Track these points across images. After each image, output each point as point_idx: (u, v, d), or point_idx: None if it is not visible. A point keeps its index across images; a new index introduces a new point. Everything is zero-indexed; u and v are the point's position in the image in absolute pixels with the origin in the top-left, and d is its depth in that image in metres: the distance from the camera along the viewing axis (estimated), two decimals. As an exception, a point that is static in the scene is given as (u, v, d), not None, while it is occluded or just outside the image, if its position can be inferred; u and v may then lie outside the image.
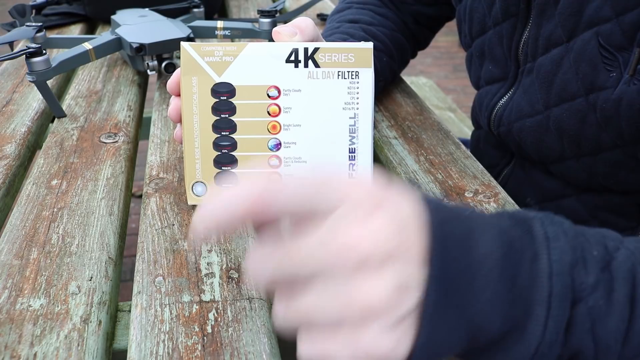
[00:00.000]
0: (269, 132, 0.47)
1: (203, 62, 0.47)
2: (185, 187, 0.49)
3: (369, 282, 0.26)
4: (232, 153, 0.48)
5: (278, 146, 0.48)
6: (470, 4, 0.63)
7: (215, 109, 0.47)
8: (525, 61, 0.57)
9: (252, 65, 0.47)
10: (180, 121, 0.49)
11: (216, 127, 0.47)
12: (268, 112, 0.47)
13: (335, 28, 0.69)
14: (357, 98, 0.47)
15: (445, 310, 0.28)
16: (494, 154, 0.69)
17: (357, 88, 0.47)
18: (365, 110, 0.48)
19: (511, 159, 0.67)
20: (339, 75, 0.47)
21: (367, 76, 0.47)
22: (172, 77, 0.48)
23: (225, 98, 0.47)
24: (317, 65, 0.47)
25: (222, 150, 0.48)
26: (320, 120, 0.48)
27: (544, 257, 0.29)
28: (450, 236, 0.28)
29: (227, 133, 0.47)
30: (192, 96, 0.47)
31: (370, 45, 0.47)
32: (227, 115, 0.47)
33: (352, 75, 0.47)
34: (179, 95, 0.48)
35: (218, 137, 0.47)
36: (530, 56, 0.56)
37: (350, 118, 0.48)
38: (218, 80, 0.47)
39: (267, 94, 0.47)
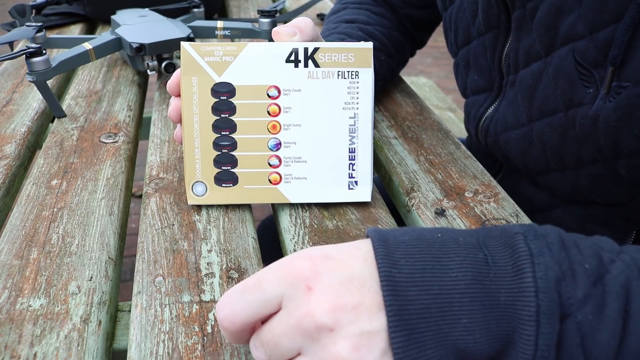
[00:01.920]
0: (269, 131, 0.47)
1: (203, 62, 0.47)
2: (185, 187, 0.49)
3: (331, 345, 0.29)
4: (232, 153, 0.48)
5: (278, 146, 0.48)
6: (455, 13, 0.63)
7: (215, 109, 0.47)
8: (509, 73, 0.57)
9: (252, 65, 0.47)
10: (180, 121, 0.49)
11: (216, 127, 0.47)
12: (268, 112, 0.47)
13: (333, 29, 0.70)
14: (357, 98, 0.47)
15: (420, 347, 0.28)
16: (484, 163, 0.69)
17: (357, 88, 0.47)
18: (365, 110, 0.48)
19: (500, 169, 0.67)
20: (339, 75, 0.47)
21: (367, 76, 0.47)
22: (172, 77, 0.48)
23: (225, 98, 0.47)
24: (317, 65, 0.47)
25: (222, 150, 0.48)
26: (320, 120, 0.48)
27: (529, 274, 0.29)
28: (402, 278, 0.29)
29: (227, 133, 0.47)
30: (192, 96, 0.47)
31: (370, 45, 0.47)
32: (227, 115, 0.47)
33: (352, 75, 0.47)
34: (178, 95, 0.48)
35: (218, 137, 0.47)
36: (512, 68, 0.56)
37: (350, 118, 0.48)
38: (218, 80, 0.47)
39: (267, 94, 0.47)
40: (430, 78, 2.25)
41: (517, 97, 0.56)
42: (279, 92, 0.47)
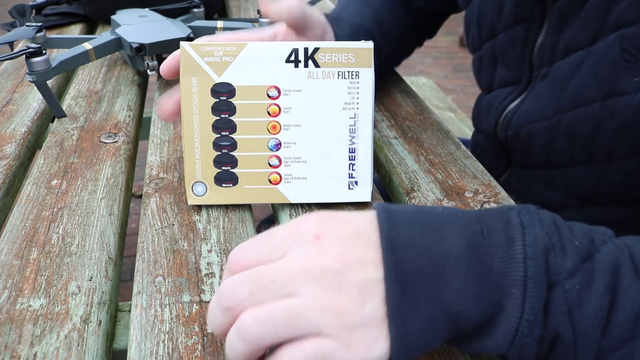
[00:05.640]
0: (269, 132, 0.47)
1: (203, 62, 0.46)
2: (185, 187, 0.49)
3: (338, 287, 0.30)
4: (232, 153, 0.48)
5: (278, 146, 0.48)
6: (478, 6, 0.62)
7: (215, 109, 0.47)
8: (541, 66, 0.56)
9: (251, 65, 0.46)
10: (168, 119, 0.49)
11: (216, 127, 0.47)
12: (268, 112, 0.47)
13: (346, 3, 0.69)
14: (357, 98, 0.47)
15: (413, 305, 0.30)
16: (490, 162, 0.68)
17: (357, 88, 0.47)
18: (365, 110, 0.48)
19: (506, 169, 0.66)
20: (339, 75, 0.47)
21: (368, 76, 0.47)
22: (167, 59, 0.47)
23: (225, 98, 0.47)
24: (317, 65, 0.47)
25: (222, 150, 0.48)
26: (320, 120, 0.48)
27: (519, 242, 0.31)
28: (400, 240, 0.31)
29: (227, 133, 0.47)
30: (191, 96, 0.47)
31: (370, 44, 0.47)
32: (227, 116, 0.47)
33: (352, 75, 0.47)
34: (172, 78, 0.48)
35: (218, 137, 0.47)
36: (546, 61, 0.55)
37: (350, 118, 0.48)
38: (218, 80, 0.47)
39: (267, 94, 0.47)
40: (430, 78, 2.25)
41: (547, 90, 0.55)
42: (279, 92, 0.47)
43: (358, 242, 0.31)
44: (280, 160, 0.48)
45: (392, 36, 0.69)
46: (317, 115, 0.48)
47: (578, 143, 0.53)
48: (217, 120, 0.47)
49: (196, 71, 0.47)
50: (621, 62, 0.48)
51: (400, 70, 0.80)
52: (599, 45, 0.49)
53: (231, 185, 0.48)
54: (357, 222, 0.33)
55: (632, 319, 0.30)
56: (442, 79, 2.84)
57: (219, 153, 0.48)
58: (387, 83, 0.76)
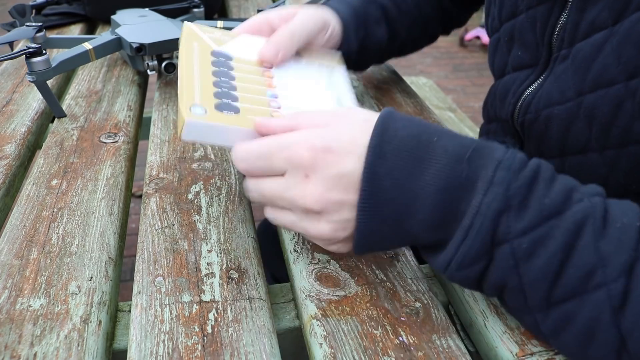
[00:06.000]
0: (266, 87, 0.48)
1: (203, 34, 0.51)
2: (180, 111, 0.41)
3: (316, 223, 0.39)
4: (232, 92, 0.46)
5: (275, 97, 0.47)
6: None
7: (214, 64, 0.48)
8: (560, 47, 0.55)
9: (245, 47, 0.51)
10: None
11: (215, 74, 0.47)
12: (263, 75, 0.50)
13: None
14: (337, 84, 0.52)
15: (381, 223, 0.37)
16: None
17: (335, 77, 0.53)
18: (346, 95, 0.51)
19: None
20: (319, 65, 0.54)
21: (341, 70, 0.54)
22: (240, 27, 0.53)
23: (223, 59, 0.49)
24: (300, 56, 0.53)
25: (222, 88, 0.45)
26: (309, 93, 0.50)
27: (479, 197, 0.34)
28: (381, 170, 0.36)
29: (227, 79, 0.47)
30: (192, 54, 0.49)
31: (338, 52, 0.57)
32: (225, 69, 0.48)
33: (328, 67, 0.54)
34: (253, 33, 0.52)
35: (217, 80, 0.46)
36: (566, 42, 0.54)
37: (334, 97, 0.51)
38: (217, 48, 0.50)
39: (261, 65, 0.51)
40: (430, 78, 2.25)
41: (567, 72, 0.54)
42: (271, 66, 0.51)
43: (340, 185, 0.37)
44: (280, 107, 0.47)
45: (411, 14, 0.69)
46: (306, 88, 0.50)
47: (596, 126, 0.53)
48: (216, 70, 0.47)
49: (197, 39, 0.50)
50: None
51: (400, 70, 0.80)
52: (623, 25, 0.49)
53: (232, 113, 0.43)
54: (345, 157, 0.37)
55: (582, 276, 0.33)
56: (442, 79, 2.84)
57: (219, 90, 0.45)
58: (387, 83, 0.77)
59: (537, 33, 0.58)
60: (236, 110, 0.43)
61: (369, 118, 0.39)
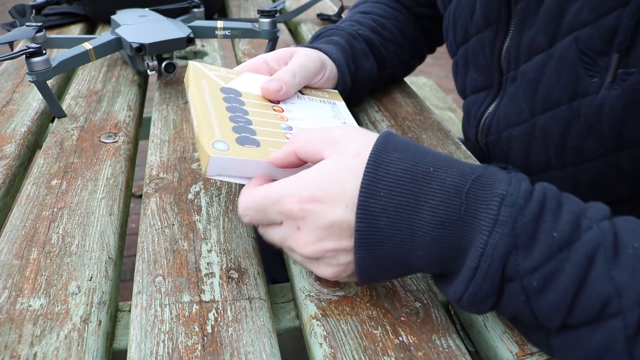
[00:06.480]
0: (279, 120, 0.49)
1: (210, 72, 0.51)
2: (202, 148, 0.42)
3: (316, 267, 0.39)
4: (249, 126, 0.46)
5: (290, 128, 0.48)
6: (453, 11, 0.63)
7: (226, 100, 0.48)
8: (509, 69, 0.57)
9: (251, 84, 0.52)
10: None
11: (229, 110, 0.47)
12: (273, 110, 0.50)
13: (348, 17, 0.72)
14: (341, 114, 0.54)
15: (380, 266, 0.37)
16: None
17: (338, 110, 0.55)
18: (352, 121, 0.53)
19: None
20: (321, 101, 0.55)
21: (341, 104, 0.56)
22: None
23: (233, 96, 0.49)
24: (303, 94, 0.55)
25: (239, 122, 0.46)
26: (319, 120, 0.51)
27: (484, 237, 0.33)
28: (377, 209, 0.35)
29: (241, 114, 0.47)
30: (203, 92, 0.49)
31: (336, 90, 0.59)
32: (237, 105, 0.48)
33: (330, 102, 0.56)
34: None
35: (232, 115, 0.46)
36: (513, 64, 0.56)
37: (341, 123, 0.52)
38: (225, 85, 0.50)
39: (269, 100, 0.51)
40: (430, 78, 2.25)
41: (519, 93, 0.56)
42: (279, 101, 0.52)
43: (333, 233, 0.36)
44: None
45: (396, 39, 0.70)
46: (316, 119, 0.51)
47: (551, 146, 0.54)
48: (229, 106, 0.47)
49: (205, 77, 0.50)
50: (580, 63, 0.48)
51: (400, 70, 0.80)
52: (557, 48, 0.50)
53: (254, 146, 0.44)
54: (332, 207, 0.36)
55: (597, 306, 0.32)
56: (442, 79, 2.84)
57: (236, 124, 0.45)
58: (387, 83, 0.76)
59: (487, 56, 0.60)
60: (257, 144, 0.44)
61: (360, 152, 0.37)
